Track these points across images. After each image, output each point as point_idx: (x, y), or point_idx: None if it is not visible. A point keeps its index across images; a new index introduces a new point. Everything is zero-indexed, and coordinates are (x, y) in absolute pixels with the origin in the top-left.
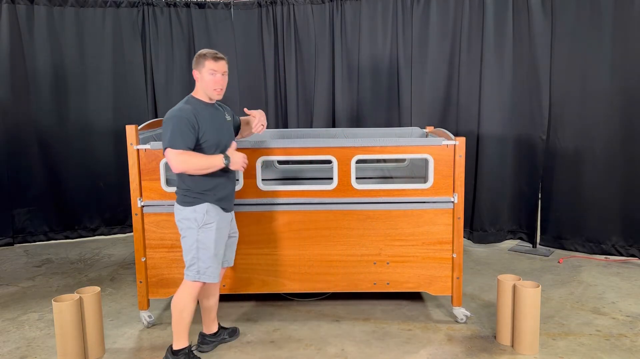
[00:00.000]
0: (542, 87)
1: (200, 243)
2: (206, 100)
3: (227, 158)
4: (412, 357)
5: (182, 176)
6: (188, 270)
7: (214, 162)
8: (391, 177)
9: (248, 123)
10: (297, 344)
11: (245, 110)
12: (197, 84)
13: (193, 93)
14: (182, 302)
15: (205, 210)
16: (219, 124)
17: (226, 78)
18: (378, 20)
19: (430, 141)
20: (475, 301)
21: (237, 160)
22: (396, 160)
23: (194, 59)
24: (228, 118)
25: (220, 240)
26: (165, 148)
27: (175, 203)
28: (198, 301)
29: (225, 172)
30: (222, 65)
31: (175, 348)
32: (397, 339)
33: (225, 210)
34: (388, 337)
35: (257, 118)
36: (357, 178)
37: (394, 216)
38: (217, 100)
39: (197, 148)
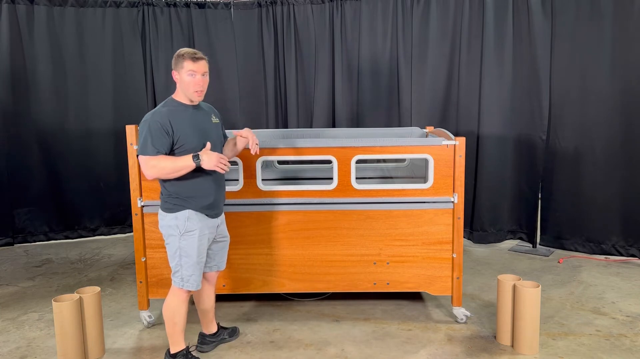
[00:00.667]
0: (542, 87)
1: (182, 250)
2: (186, 102)
3: (196, 157)
4: (412, 357)
5: (163, 182)
6: (174, 276)
7: (185, 163)
8: (391, 177)
9: (235, 144)
10: (297, 344)
11: (234, 132)
12: (177, 85)
13: (173, 95)
14: (172, 307)
15: (187, 217)
16: (201, 127)
17: (207, 78)
18: (378, 20)
19: (430, 141)
20: (475, 301)
21: (210, 159)
22: (396, 160)
23: (173, 59)
24: (215, 120)
25: (202, 247)
26: (138, 156)
27: (159, 209)
28: (194, 303)
29: (209, 175)
30: (202, 66)
31: (172, 351)
32: (397, 339)
33: (211, 216)
34: (388, 337)
35: (250, 139)
36: (357, 178)
37: (394, 216)
38: (205, 102)
39: (175, 152)
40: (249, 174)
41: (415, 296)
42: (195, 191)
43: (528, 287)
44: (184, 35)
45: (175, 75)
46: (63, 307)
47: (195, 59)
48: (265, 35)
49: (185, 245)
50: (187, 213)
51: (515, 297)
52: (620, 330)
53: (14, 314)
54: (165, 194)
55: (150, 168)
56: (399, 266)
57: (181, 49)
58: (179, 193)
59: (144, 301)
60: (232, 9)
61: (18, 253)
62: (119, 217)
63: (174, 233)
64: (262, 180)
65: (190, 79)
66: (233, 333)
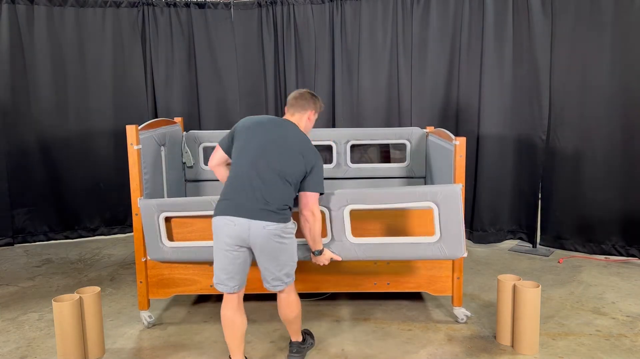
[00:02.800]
0: (542, 87)
1: (295, 248)
2: None
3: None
4: (412, 357)
5: (284, 196)
6: (292, 274)
7: (320, 244)
8: (391, 177)
9: None
10: None
11: None
12: (304, 124)
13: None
14: (298, 300)
15: (293, 222)
16: None
17: None
18: (378, 20)
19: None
20: (475, 301)
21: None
22: (397, 160)
23: (316, 100)
24: None
25: None
26: (317, 191)
27: (277, 224)
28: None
29: None
30: None
31: (300, 338)
32: (397, 339)
33: None
34: (388, 337)
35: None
36: (357, 178)
37: (394, 216)
38: None
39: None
40: None
41: (415, 296)
42: None
43: (528, 287)
44: (184, 35)
45: (312, 117)
46: (63, 307)
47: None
48: (265, 35)
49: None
50: None
51: (515, 297)
52: (620, 330)
53: (14, 314)
54: (286, 207)
55: (316, 214)
56: (399, 266)
57: (313, 93)
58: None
59: (144, 301)
60: (232, 9)
61: (18, 253)
62: (119, 217)
63: (293, 235)
64: None
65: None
66: (312, 335)
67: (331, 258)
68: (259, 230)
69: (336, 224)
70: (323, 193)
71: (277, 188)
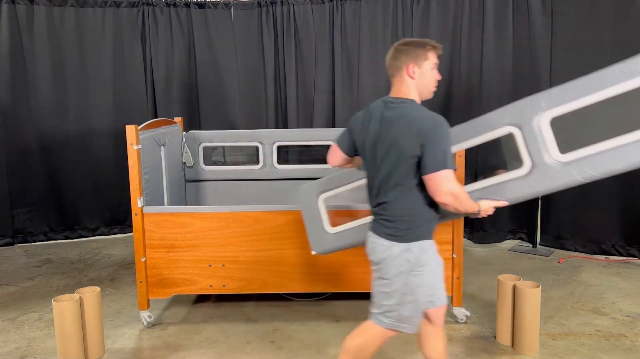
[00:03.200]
0: (542, 86)
1: (407, 288)
2: None
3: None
4: (412, 357)
5: (402, 201)
6: (384, 316)
7: (474, 207)
8: None
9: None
10: (297, 344)
11: None
12: (409, 85)
13: (413, 98)
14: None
15: (423, 249)
16: None
17: None
18: (378, 20)
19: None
20: (475, 301)
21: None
22: None
23: (410, 48)
24: None
25: (439, 281)
26: (439, 169)
27: (380, 239)
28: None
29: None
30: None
31: None
32: (397, 339)
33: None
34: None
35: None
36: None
37: None
38: None
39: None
40: None
41: None
42: (434, 211)
43: (528, 287)
44: (184, 35)
45: (415, 69)
46: (63, 307)
47: (439, 49)
48: (265, 35)
49: (412, 282)
50: (424, 244)
51: (515, 297)
52: (620, 330)
53: (14, 314)
54: (406, 218)
55: (454, 193)
56: None
57: (407, 39)
58: (421, 218)
59: (144, 301)
60: (232, 9)
61: (18, 253)
62: (119, 217)
63: (401, 268)
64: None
65: (434, 74)
66: None
67: (495, 207)
68: (376, 247)
69: (531, 141)
70: (455, 169)
71: (395, 197)
